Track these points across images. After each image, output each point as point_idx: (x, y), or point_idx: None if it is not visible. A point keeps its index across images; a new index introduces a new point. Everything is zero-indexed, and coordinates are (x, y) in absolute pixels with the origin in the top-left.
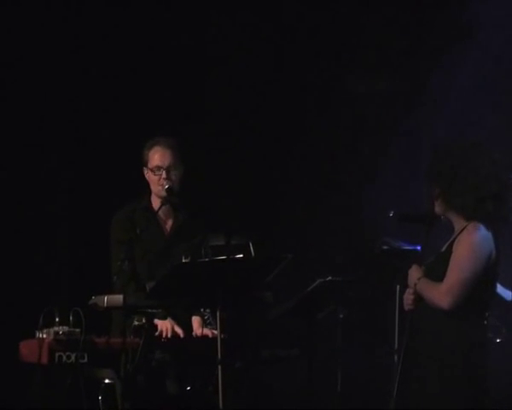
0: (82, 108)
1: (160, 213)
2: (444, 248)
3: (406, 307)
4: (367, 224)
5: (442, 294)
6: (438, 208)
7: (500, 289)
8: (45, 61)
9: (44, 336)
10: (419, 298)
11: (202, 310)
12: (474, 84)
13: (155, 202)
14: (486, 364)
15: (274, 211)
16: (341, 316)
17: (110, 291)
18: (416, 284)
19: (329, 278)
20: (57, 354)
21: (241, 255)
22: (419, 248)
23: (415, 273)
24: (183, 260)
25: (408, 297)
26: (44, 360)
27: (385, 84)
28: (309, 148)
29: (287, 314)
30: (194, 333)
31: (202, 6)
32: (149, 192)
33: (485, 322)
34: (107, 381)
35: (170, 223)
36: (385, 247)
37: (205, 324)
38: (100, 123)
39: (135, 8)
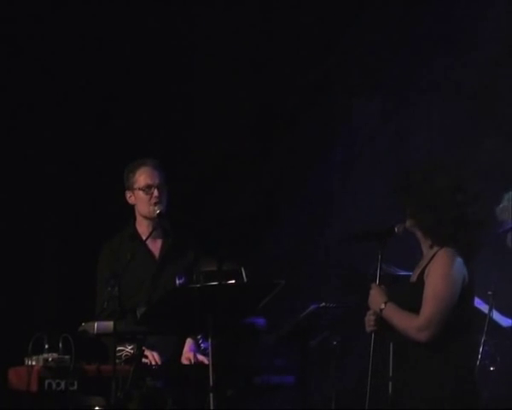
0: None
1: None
2: (414, 278)
3: (368, 329)
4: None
5: (419, 328)
6: (408, 223)
7: (497, 315)
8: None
9: (33, 363)
10: (381, 319)
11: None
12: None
13: (141, 227)
14: (476, 388)
15: (265, 236)
16: (335, 343)
17: (98, 318)
18: (382, 310)
19: (323, 304)
20: (47, 382)
21: (234, 281)
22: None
23: (379, 297)
24: (177, 282)
25: (370, 319)
26: (34, 387)
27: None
28: (300, 174)
29: (280, 341)
30: (183, 357)
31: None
32: (133, 218)
33: (470, 346)
34: (97, 409)
35: (158, 246)
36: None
37: (198, 347)
38: (85, 150)
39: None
